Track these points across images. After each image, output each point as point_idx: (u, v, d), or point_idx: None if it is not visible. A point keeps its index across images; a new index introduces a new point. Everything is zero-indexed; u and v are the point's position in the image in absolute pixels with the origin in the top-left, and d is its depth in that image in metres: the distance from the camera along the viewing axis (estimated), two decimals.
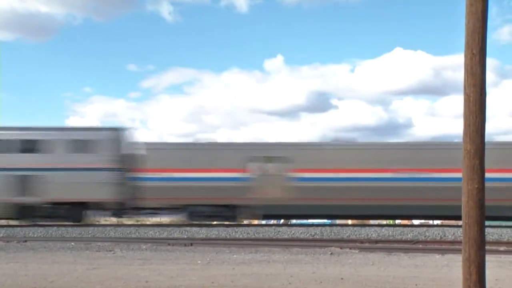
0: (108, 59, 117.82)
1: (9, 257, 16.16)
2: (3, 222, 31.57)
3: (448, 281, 10.90)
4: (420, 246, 20.12)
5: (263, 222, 34.19)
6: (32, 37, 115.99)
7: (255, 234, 24.22)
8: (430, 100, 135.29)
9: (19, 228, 26.95)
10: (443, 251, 17.54)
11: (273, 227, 28.34)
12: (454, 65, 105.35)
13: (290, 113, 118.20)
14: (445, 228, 25.86)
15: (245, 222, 33.18)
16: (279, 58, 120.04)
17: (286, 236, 23.73)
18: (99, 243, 20.53)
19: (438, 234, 23.76)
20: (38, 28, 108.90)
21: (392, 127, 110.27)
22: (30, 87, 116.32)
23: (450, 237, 22.76)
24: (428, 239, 22.32)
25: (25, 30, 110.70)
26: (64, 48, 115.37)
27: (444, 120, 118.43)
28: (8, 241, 21.45)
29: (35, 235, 24.17)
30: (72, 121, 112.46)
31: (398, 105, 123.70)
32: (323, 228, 26.17)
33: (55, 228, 26.84)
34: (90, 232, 25.06)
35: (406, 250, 18.13)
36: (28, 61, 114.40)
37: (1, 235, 24.33)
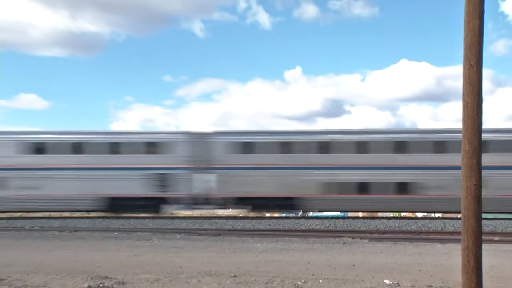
0: (147, 71, 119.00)
1: (62, 244, 16.35)
2: (57, 214, 31.98)
3: (448, 267, 10.78)
4: (423, 236, 19.91)
5: (283, 215, 34.12)
6: (83, 53, 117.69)
7: (276, 226, 24.18)
8: (433, 106, 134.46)
9: (70, 220, 27.27)
10: (444, 241, 17.36)
11: (292, 219, 28.27)
12: (454, 74, 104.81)
13: (308, 118, 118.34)
14: (446, 220, 25.57)
15: (267, 215, 33.21)
16: (298, 69, 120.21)
17: (303, 227, 23.66)
18: (139, 233, 20.65)
19: (440, 225, 23.49)
20: (87, 45, 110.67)
21: None
22: (79, 96, 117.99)
23: (450, 229, 22.48)
24: (431, 230, 22.08)
25: (76, 47, 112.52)
26: (109, 62, 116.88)
27: (446, 124, 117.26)
28: (61, 231, 21.70)
29: (84, 226, 24.42)
30: (116, 126, 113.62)
31: (404, 111, 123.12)
32: (337, 220, 26.05)
33: (100, 219, 27.10)
34: (131, 223, 25.22)
35: (411, 240, 17.97)
36: (79, 74, 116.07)
37: (56, 225, 24.62)
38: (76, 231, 21.83)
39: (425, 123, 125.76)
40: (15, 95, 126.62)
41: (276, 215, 33.48)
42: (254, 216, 30.72)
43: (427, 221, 25.91)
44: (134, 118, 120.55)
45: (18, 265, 11.24)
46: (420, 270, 10.68)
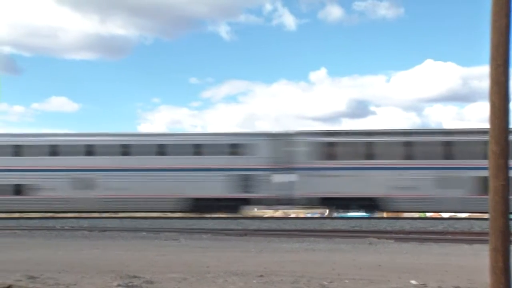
0: (174, 73, 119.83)
1: (92, 244, 16.56)
2: (86, 214, 32.41)
3: (475, 268, 10.61)
4: (450, 236, 19.61)
5: (309, 215, 34.09)
6: (112, 56, 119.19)
7: (302, 226, 24.13)
8: (458, 107, 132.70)
9: (99, 220, 27.62)
10: (471, 242, 17.06)
11: (317, 219, 28.17)
12: (481, 74, 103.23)
13: (332, 119, 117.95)
14: (473, 221, 25.19)
15: (293, 215, 33.15)
16: (323, 71, 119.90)
17: (329, 228, 23.54)
18: (166, 233, 20.77)
19: (466, 226, 23.15)
20: (116, 48, 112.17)
21: None
22: (108, 98, 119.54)
23: (477, 229, 22.13)
24: (457, 231, 21.76)
25: (106, 50, 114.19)
26: (137, 64, 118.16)
27: (472, 124, 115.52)
28: (91, 231, 21.99)
29: (113, 226, 24.70)
30: (143, 128, 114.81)
31: (429, 111, 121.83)
32: (362, 221, 25.89)
33: (129, 219, 27.39)
34: (158, 223, 25.42)
35: (436, 240, 17.72)
36: (107, 77, 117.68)
37: (86, 225, 24.97)
38: (105, 231, 22.08)
39: (450, 123, 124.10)
40: (47, 98, 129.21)
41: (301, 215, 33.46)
42: (280, 216, 30.70)
43: (453, 221, 25.58)
44: (161, 120, 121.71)
45: (50, 263, 11.43)
46: (446, 271, 10.53)
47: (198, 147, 31.30)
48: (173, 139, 32.16)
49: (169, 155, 31.60)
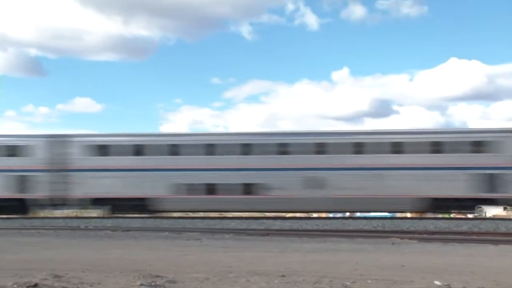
0: (196, 74, 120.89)
1: (115, 243, 16.72)
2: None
3: (501, 269, 10.46)
4: (475, 237, 19.34)
5: (331, 215, 33.96)
6: (134, 57, 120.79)
7: (324, 226, 24.05)
8: (484, 105, 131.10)
9: (122, 220, 27.88)
10: (496, 242, 16.82)
11: (339, 219, 28.03)
12: (507, 72, 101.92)
13: (355, 118, 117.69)
14: (498, 221, 24.83)
15: (315, 215, 33.03)
16: (345, 70, 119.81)
17: (351, 228, 23.43)
18: (188, 233, 20.89)
19: (492, 226, 22.82)
20: (139, 49, 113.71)
21: None
22: (130, 99, 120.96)
23: (503, 229, 21.81)
24: (482, 231, 21.48)
25: (129, 51, 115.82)
26: (159, 65, 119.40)
27: (498, 123, 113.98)
28: (114, 230, 22.22)
29: (136, 226, 24.93)
30: (165, 128, 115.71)
31: (453, 110, 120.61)
32: (385, 221, 25.70)
33: (151, 219, 27.59)
34: (180, 223, 25.57)
35: (461, 241, 17.49)
36: (130, 77, 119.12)
37: (109, 225, 25.24)
38: (128, 230, 22.29)
39: (475, 122, 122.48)
40: (71, 99, 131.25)
41: (324, 215, 33.29)
42: (302, 216, 30.61)
43: (479, 222, 25.23)
44: (183, 120, 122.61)
45: (74, 262, 11.57)
46: (471, 272, 10.39)
47: (436, 145, 30.07)
48: (410, 137, 30.92)
49: (405, 153, 30.48)
